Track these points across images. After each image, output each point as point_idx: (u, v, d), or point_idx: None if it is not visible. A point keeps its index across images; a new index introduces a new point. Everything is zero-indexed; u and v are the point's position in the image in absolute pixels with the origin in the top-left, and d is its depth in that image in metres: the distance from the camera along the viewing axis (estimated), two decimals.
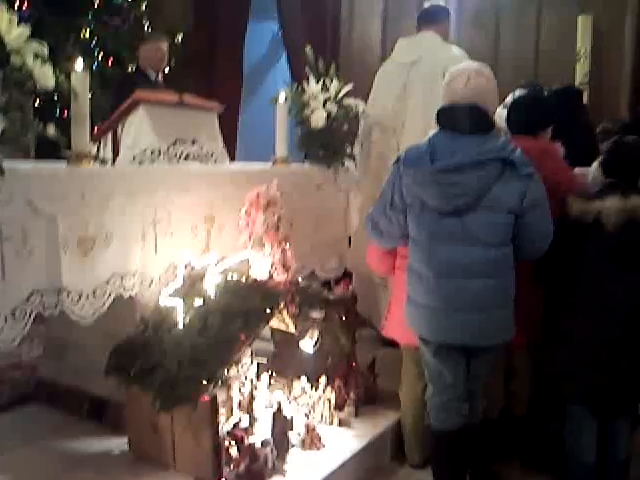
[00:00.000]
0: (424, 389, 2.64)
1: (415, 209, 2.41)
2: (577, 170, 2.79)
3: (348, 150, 3.62)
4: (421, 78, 3.52)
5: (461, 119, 2.35)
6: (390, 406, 3.00)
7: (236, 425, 2.53)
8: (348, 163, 3.65)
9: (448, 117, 2.39)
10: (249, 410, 2.69)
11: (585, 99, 4.52)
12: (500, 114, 2.86)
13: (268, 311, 2.53)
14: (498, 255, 2.36)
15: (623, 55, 4.86)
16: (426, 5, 3.77)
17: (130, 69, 4.97)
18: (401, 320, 2.66)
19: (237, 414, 2.67)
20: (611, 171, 2.52)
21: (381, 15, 5.76)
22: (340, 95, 3.53)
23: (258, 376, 2.85)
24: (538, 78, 4.57)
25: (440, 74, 3.34)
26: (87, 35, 5.01)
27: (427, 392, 2.60)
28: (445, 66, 3.36)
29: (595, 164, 2.60)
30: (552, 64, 4.96)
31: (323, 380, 2.87)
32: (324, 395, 2.85)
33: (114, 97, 3.99)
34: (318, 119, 3.48)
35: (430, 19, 3.66)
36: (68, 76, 2.39)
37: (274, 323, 2.74)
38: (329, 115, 3.50)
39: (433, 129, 2.55)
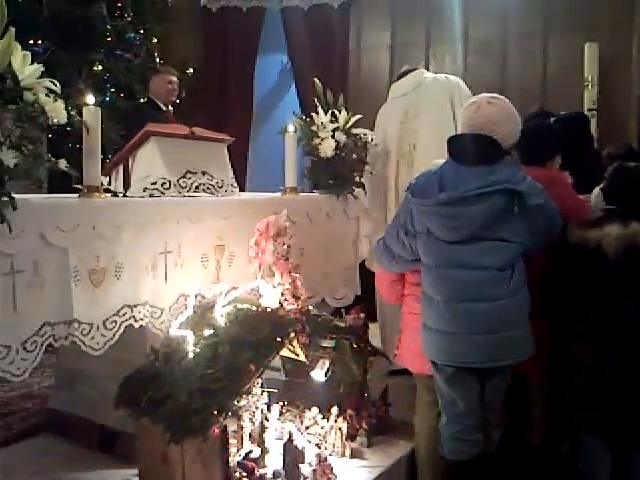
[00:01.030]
0: (438, 418, 2.61)
1: (423, 236, 2.42)
2: (582, 197, 2.79)
3: (357, 179, 3.65)
4: (424, 104, 3.59)
5: (467, 149, 2.36)
6: (403, 436, 2.97)
7: (247, 456, 2.51)
8: (357, 192, 3.67)
9: (456, 146, 2.41)
10: (260, 441, 2.67)
11: (594, 126, 4.54)
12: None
13: (278, 341, 2.52)
14: (508, 276, 2.36)
15: (631, 81, 4.88)
16: (403, 69, 3.94)
17: (141, 101, 5.05)
18: (412, 348, 2.65)
19: (248, 445, 2.65)
20: (611, 197, 2.51)
21: (389, 46, 5.84)
22: (349, 125, 3.57)
23: (269, 406, 2.83)
24: (546, 106, 4.59)
25: (444, 98, 3.42)
26: (99, 69, 5.11)
27: (440, 421, 2.57)
28: (448, 90, 3.45)
29: (596, 190, 2.59)
30: (560, 91, 4.99)
31: (335, 410, 2.84)
32: (336, 425, 2.82)
33: (125, 129, 4.05)
34: (327, 148, 3.52)
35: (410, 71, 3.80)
36: (80, 110, 2.44)
37: (285, 353, 2.73)
38: (338, 144, 3.54)
39: (444, 156, 2.57)
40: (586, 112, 4.70)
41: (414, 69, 3.91)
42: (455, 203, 2.29)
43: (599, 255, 2.39)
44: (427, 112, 3.60)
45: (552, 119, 3.42)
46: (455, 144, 2.42)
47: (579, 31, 4.98)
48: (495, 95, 2.47)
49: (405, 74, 3.90)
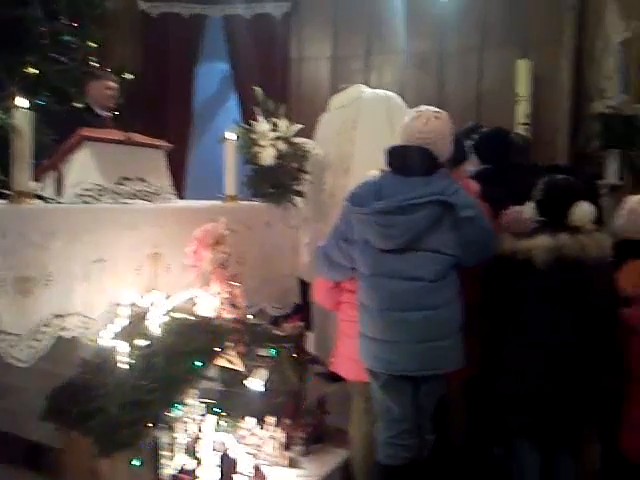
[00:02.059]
0: (373, 425, 2.64)
1: (360, 245, 2.46)
2: (512, 208, 2.87)
3: (297, 188, 3.66)
4: (363, 116, 3.66)
5: (411, 160, 2.41)
6: (340, 443, 2.98)
7: (181, 469, 2.46)
8: (297, 201, 3.68)
9: (397, 157, 2.45)
10: (195, 453, 2.62)
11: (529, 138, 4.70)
12: None
13: (215, 350, 2.50)
14: (440, 286, 2.41)
15: (561, 98, 5.08)
16: (342, 86, 4.01)
17: (77, 106, 4.91)
18: (347, 356, 2.68)
19: (182, 457, 2.59)
20: (543, 210, 2.60)
21: (329, 57, 5.89)
22: (289, 134, 3.58)
23: (204, 417, 2.79)
24: (481, 120, 4.72)
25: (382, 111, 3.50)
26: (33, 72, 4.94)
27: (376, 428, 2.59)
28: (386, 104, 3.52)
29: (531, 203, 2.68)
30: (494, 106, 5.14)
31: (272, 419, 2.82)
32: (272, 435, 2.80)
33: (59, 134, 3.94)
34: (267, 157, 3.51)
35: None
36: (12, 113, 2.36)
37: (221, 362, 2.70)
38: (278, 153, 3.54)
39: (381, 166, 2.61)
40: (518, 126, 4.86)
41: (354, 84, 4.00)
42: (391, 212, 2.33)
43: (529, 265, 2.47)
44: (364, 124, 3.67)
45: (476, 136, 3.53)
46: (395, 155, 2.46)
47: (513, 47, 5.15)
48: (438, 110, 2.54)
49: (345, 87, 3.98)
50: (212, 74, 6.43)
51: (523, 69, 4.93)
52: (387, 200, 2.36)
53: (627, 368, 2.55)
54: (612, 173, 4.86)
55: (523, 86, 4.92)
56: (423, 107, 2.54)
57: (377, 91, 3.89)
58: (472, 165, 3.44)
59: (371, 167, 3.15)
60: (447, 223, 2.36)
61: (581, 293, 2.51)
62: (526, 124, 4.89)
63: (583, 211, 2.55)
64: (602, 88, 5.39)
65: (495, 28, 5.29)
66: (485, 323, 2.69)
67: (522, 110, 4.91)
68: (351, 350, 2.61)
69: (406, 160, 2.41)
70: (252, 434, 2.80)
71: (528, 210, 2.68)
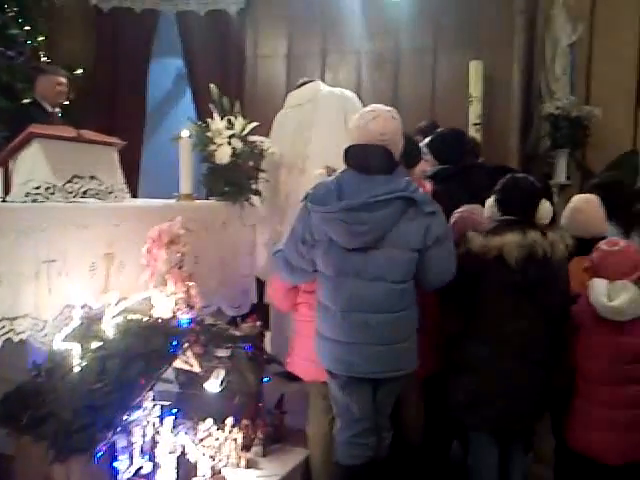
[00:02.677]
0: (332, 424, 2.64)
1: (323, 245, 2.44)
2: (466, 207, 2.91)
3: (254, 186, 3.63)
4: (319, 116, 3.64)
5: (372, 159, 2.41)
6: (299, 443, 2.97)
7: (138, 472, 2.41)
8: (254, 199, 3.65)
9: (358, 156, 2.44)
10: (151, 456, 2.58)
11: (479, 139, 4.79)
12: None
13: (171, 352, 2.45)
14: (402, 290, 2.43)
15: (512, 99, 5.19)
16: (301, 80, 3.96)
17: (25, 102, 4.77)
18: (305, 356, 2.67)
19: (139, 461, 2.55)
20: (508, 208, 2.64)
21: (285, 55, 5.88)
22: (245, 132, 3.55)
23: (161, 420, 2.74)
24: (435, 119, 4.78)
25: (338, 111, 3.50)
26: None
27: (335, 427, 2.60)
28: (343, 104, 3.52)
29: (490, 201, 2.72)
30: (448, 106, 5.22)
31: (230, 421, 2.80)
32: (231, 436, 2.78)
33: (7, 131, 3.81)
34: (223, 155, 3.47)
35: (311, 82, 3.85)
36: None
37: (178, 364, 2.66)
38: (234, 151, 3.50)
39: (336, 166, 2.61)
40: (471, 127, 4.95)
41: (311, 81, 3.96)
42: (359, 209, 2.33)
43: (500, 262, 2.51)
44: (320, 124, 3.66)
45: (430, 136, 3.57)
46: (355, 154, 2.45)
47: (466, 49, 5.24)
48: (392, 109, 2.54)
49: (303, 84, 3.95)
50: (166, 71, 6.34)
51: (475, 70, 5.02)
52: (352, 198, 2.36)
53: (574, 364, 2.62)
54: (561, 173, 5.00)
55: (475, 87, 5.01)
56: (377, 106, 2.54)
57: (334, 90, 3.86)
58: (427, 165, 3.48)
59: (327, 165, 3.17)
60: (411, 218, 2.38)
61: (546, 290, 2.57)
62: (478, 124, 4.98)
63: (546, 210, 2.62)
64: (551, 90, 5.55)
65: (448, 30, 5.38)
66: (449, 321, 2.71)
67: (475, 110, 5.00)
68: (308, 350, 2.60)
69: (368, 159, 2.42)
70: (210, 436, 2.77)
71: (488, 209, 2.71)
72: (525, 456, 2.83)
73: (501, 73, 5.16)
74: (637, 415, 2.51)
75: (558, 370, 2.63)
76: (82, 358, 2.31)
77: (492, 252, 2.52)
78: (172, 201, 3.31)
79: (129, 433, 2.48)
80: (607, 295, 2.49)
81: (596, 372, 2.54)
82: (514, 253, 2.50)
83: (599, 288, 2.51)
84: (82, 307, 2.46)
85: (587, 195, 3.08)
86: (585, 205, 2.95)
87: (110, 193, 2.96)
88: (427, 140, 3.55)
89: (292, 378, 3.31)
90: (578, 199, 3.03)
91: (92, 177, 2.87)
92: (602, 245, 2.60)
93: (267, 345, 3.38)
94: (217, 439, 2.76)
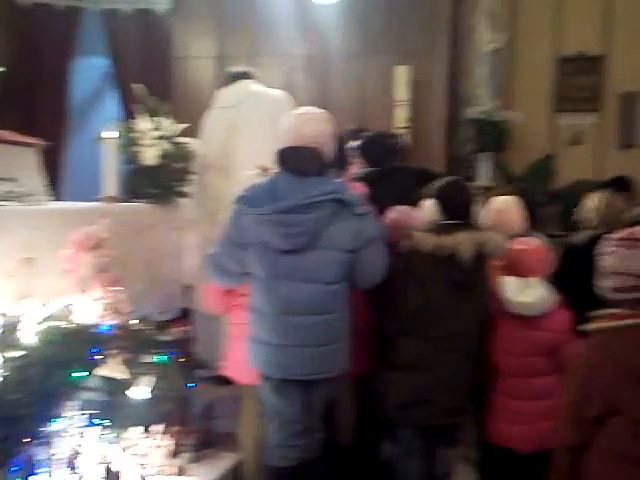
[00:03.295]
0: (264, 427, 2.63)
1: (256, 248, 2.43)
2: (398, 208, 2.96)
3: (181, 189, 3.58)
4: (248, 118, 3.60)
5: (305, 161, 2.42)
6: (230, 448, 2.95)
7: None
8: (182, 202, 3.60)
9: (292, 158, 2.44)
10: (76, 467, 2.49)
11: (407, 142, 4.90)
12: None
13: (96, 359, 2.38)
14: (335, 291, 2.45)
15: (437, 103, 5.34)
16: (231, 69, 3.89)
17: None
18: (240, 359, 2.65)
19: (62, 473, 2.46)
20: (450, 210, 2.67)
21: (214, 57, 5.83)
22: (173, 133, 3.49)
23: (86, 430, 2.66)
24: (364, 123, 4.85)
25: (268, 114, 3.48)
26: None
27: (268, 430, 2.59)
28: (273, 107, 3.50)
29: (430, 203, 2.76)
30: (376, 110, 5.32)
31: (158, 428, 2.74)
32: (159, 443, 2.72)
33: None
34: (150, 157, 3.41)
35: (243, 76, 3.78)
36: None
37: (104, 371, 2.58)
38: (162, 153, 3.44)
39: (266, 168, 2.61)
40: (398, 130, 5.05)
41: (244, 72, 3.87)
42: (292, 211, 2.34)
43: (450, 261, 2.56)
44: (250, 125, 3.62)
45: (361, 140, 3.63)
46: (289, 156, 2.46)
47: (393, 54, 5.35)
48: (325, 112, 2.56)
49: (234, 77, 3.84)
50: (91, 70, 6.15)
51: (401, 75, 5.12)
52: (287, 199, 2.36)
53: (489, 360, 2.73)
54: (484, 175, 5.18)
55: (402, 91, 5.11)
56: (309, 109, 2.56)
57: (266, 91, 3.79)
58: (356, 167, 3.53)
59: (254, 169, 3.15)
60: (343, 219, 2.40)
61: (481, 288, 2.68)
62: (405, 128, 5.09)
63: (476, 212, 2.71)
64: (475, 95, 5.75)
65: (376, 35, 5.48)
66: (387, 321, 2.72)
67: (401, 114, 5.11)
68: (242, 353, 2.59)
69: (302, 161, 2.43)
70: (138, 444, 2.71)
71: (428, 210, 2.75)
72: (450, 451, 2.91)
73: (427, 78, 5.30)
74: (544, 406, 2.62)
75: (478, 365, 2.72)
76: (1, 368, 2.21)
77: (445, 251, 2.57)
78: (97, 204, 3.21)
79: (49, 445, 2.40)
80: (517, 292, 2.60)
81: (508, 365, 2.67)
82: (469, 251, 2.57)
83: (510, 285, 2.62)
84: (1, 314, 2.36)
85: (507, 197, 3.19)
86: (506, 206, 3.06)
87: (30, 195, 2.85)
88: (356, 143, 3.60)
89: (221, 382, 3.29)
90: (499, 201, 3.13)
91: (11, 179, 2.76)
92: (514, 244, 2.72)
93: (195, 350, 3.33)
94: (145, 447, 2.71)
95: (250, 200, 2.42)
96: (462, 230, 2.60)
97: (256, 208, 2.38)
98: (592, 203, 3.40)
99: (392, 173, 3.38)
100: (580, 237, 3.32)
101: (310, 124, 2.46)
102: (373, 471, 3.01)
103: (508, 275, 2.68)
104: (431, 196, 2.73)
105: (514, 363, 2.67)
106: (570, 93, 6.19)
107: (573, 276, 2.81)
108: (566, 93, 6.20)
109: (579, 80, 6.16)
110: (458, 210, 2.69)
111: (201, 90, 5.68)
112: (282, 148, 2.49)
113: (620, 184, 3.81)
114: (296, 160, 2.43)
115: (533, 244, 2.74)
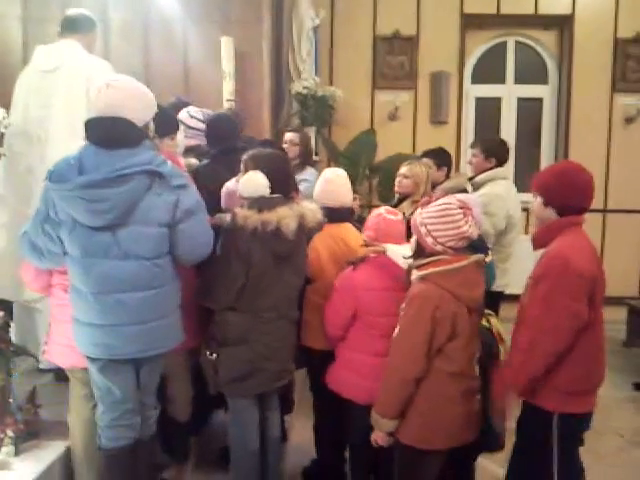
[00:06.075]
0: (94, 411, 2.52)
1: (67, 225, 2.28)
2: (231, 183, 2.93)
3: None
4: (62, 86, 3.33)
5: (112, 131, 2.28)
6: (57, 436, 2.78)
7: None
8: None
9: (94, 129, 2.30)
10: None
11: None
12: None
13: None
14: (156, 265, 2.37)
15: (263, 76, 5.35)
16: (69, 12, 3.57)
17: None
18: (62, 342, 2.51)
19: None
20: (271, 183, 2.65)
21: (21, 18, 5.30)
22: None
23: None
24: (190, 94, 4.72)
25: (82, 83, 3.24)
26: None
27: (97, 412, 2.48)
28: (88, 75, 3.28)
29: (252, 175, 2.73)
30: (202, 81, 5.18)
31: None
32: None
33: None
34: None
35: (73, 27, 3.48)
36: None
37: None
38: None
39: (78, 140, 2.43)
40: (225, 102, 4.99)
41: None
42: (97, 185, 2.20)
43: (275, 234, 2.57)
44: (65, 92, 3.34)
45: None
46: (92, 127, 2.31)
47: (216, 24, 5.23)
48: (117, 77, 2.41)
49: (63, 30, 3.46)
50: None
51: (226, 46, 5.04)
52: (93, 173, 2.22)
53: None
54: None
55: (228, 63, 5.04)
56: (114, 76, 2.42)
57: (83, 59, 3.46)
58: (194, 141, 3.44)
59: (67, 142, 2.93)
60: (158, 192, 2.31)
61: (302, 256, 2.78)
62: (232, 100, 5.04)
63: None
64: (299, 69, 5.86)
65: (196, 2, 5.31)
66: (218, 297, 2.70)
67: (228, 86, 5.05)
68: (65, 336, 2.44)
69: (107, 131, 2.28)
70: None
71: (250, 181, 2.72)
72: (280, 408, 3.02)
73: (252, 50, 5.26)
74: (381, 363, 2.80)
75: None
76: None
77: (270, 226, 2.57)
78: None
79: None
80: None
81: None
82: (293, 225, 2.60)
83: (398, 251, 2.66)
84: None
85: (336, 169, 3.31)
86: (335, 177, 3.16)
87: None
88: (205, 119, 3.48)
89: (43, 370, 3.09)
90: (329, 172, 3.23)
91: None
92: (384, 214, 2.80)
93: (13, 336, 3.08)
94: None
95: (57, 174, 2.24)
96: (283, 204, 2.65)
97: (62, 183, 2.22)
98: (410, 172, 3.64)
99: (238, 148, 3.29)
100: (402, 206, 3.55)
101: (113, 92, 2.31)
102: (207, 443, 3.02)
103: (377, 242, 2.74)
104: (254, 168, 2.73)
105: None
106: (387, 71, 6.55)
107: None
108: (383, 71, 6.55)
109: (395, 59, 6.54)
110: (279, 184, 2.71)
111: (9, 54, 5.13)
112: (88, 119, 2.33)
113: (437, 156, 4.08)
114: (101, 131, 2.28)
115: (399, 215, 2.86)
